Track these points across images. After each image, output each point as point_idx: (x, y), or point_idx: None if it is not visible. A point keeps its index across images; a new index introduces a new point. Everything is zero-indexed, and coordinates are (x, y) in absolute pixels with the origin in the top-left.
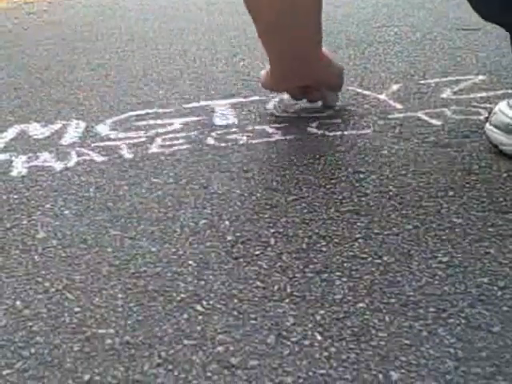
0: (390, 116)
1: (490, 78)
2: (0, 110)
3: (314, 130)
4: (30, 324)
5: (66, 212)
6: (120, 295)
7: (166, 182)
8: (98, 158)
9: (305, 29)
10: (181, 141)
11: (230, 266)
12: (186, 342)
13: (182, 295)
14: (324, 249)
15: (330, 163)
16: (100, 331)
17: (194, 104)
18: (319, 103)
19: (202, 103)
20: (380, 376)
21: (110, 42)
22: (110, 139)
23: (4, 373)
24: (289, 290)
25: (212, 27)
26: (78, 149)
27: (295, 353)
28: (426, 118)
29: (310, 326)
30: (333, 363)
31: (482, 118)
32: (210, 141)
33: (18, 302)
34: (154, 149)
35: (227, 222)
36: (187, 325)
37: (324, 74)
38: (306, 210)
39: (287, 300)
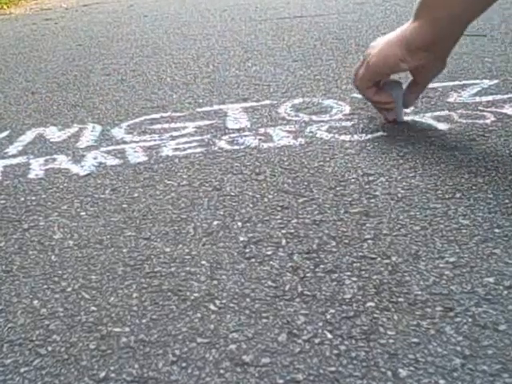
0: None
1: (496, 82)
2: (18, 113)
3: (325, 134)
4: (47, 323)
5: (83, 213)
6: (135, 294)
7: (179, 184)
8: (114, 161)
9: None
10: (194, 144)
11: (242, 265)
12: (199, 340)
13: (196, 294)
14: (334, 249)
15: (340, 166)
16: (115, 330)
17: (207, 108)
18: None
19: (215, 107)
20: (389, 373)
21: (125, 47)
22: (125, 142)
23: (22, 370)
24: (300, 290)
25: (225, 33)
26: (93, 152)
27: (306, 350)
28: (433, 121)
29: (320, 324)
30: (343, 361)
31: (488, 121)
32: (223, 144)
33: (35, 301)
34: (167, 152)
35: (240, 223)
36: (200, 323)
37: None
38: (316, 212)
39: (298, 299)
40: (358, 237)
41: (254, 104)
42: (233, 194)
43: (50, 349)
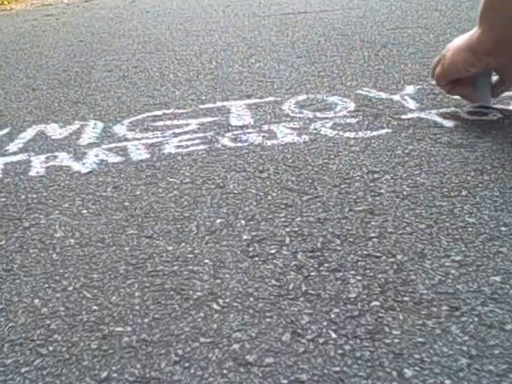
0: (403, 116)
1: None
2: (19, 110)
3: (329, 131)
4: (48, 322)
5: (84, 211)
6: (137, 293)
7: (182, 182)
8: (115, 158)
9: None
10: (197, 141)
11: (245, 264)
12: (202, 339)
13: (199, 293)
14: (338, 248)
15: (345, 163)
16: (117, 329)
17: (210, 105)
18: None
19: (218, 104)
20: (394, 373)
21: (127, 43)
22: (127, 139)
23: (23, 370)
24: (304, 289)
25: (228, 29)
26: (95, 149)
27: (310, 350)
28: (439, 118)
29: (324, 323)
30: (347, 361)
31: (494, 118)
32: (226, 141)
33: (36, 301)
34: (170, 149)
35: (243, 221)
36: (203, 323)
37: None
38: (320, 210)
39: (302, 298)
40: (362, 235)
41: (258, 101)
42: (236, 191)
43: (51, 348)
